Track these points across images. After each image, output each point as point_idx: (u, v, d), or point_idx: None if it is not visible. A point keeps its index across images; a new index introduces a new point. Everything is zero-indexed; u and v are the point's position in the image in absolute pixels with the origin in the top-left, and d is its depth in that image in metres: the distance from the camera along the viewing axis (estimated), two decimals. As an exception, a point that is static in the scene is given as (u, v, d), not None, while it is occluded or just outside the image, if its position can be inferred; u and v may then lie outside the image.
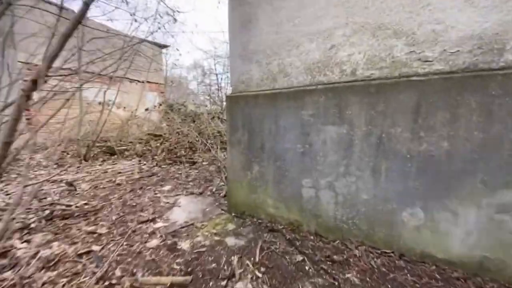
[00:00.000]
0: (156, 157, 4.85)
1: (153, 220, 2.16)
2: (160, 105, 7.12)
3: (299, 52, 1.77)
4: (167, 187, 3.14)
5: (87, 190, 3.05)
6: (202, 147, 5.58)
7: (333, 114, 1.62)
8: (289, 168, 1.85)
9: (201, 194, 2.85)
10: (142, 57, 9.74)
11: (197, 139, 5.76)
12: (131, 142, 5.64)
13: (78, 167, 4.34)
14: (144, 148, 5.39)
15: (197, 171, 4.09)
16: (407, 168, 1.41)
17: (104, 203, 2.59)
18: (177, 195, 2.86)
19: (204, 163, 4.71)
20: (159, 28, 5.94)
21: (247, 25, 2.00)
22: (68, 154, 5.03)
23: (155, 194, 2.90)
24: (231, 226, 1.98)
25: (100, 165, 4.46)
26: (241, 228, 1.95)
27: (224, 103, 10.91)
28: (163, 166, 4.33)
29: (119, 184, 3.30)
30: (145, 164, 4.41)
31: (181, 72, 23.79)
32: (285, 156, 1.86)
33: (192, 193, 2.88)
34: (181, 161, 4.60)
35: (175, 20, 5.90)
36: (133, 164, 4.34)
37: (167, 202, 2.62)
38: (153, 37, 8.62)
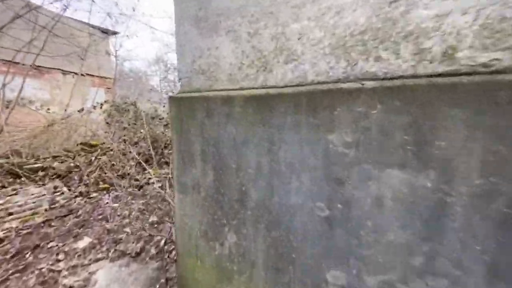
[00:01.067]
0: (85, 178, 3.48)
1: None
2: (102, 104, 5.57)
3: (320, 9, 0.84)
4: (83, 242, 1.95)
5: None
6: (156, 160, 4.37)
7: (401, 144, 0.74)
8: (299, 245, 0.93)
9: (139, 256, 1.75)
10: (79, 44, 7.84)
11: (149, 149, 4.52)
12: (53, 157, 4.10)
13: None
14: (72, 164, 3.94)
15: (143, 200, 2.92)
16: None
17: None
18: (96, 260, 1.71)
19: (156, 185, 3.53)
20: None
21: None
22: None
23: (56, 261, 1.70)
24: None
25: (-10, 196, 2.95)
26: None
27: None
28: (92, 195, 3.03)
29: (1, 240, 1.98)
30: (63, 193, 3.04)
31: (138, 66, 21.26)
32: (291, 220, 0.93)
33: (124, 254, 1.77)
34: (122, 185, 3.35)
35: None
36: (44, 194, 2.95)
37: (73, 284, 1.47)
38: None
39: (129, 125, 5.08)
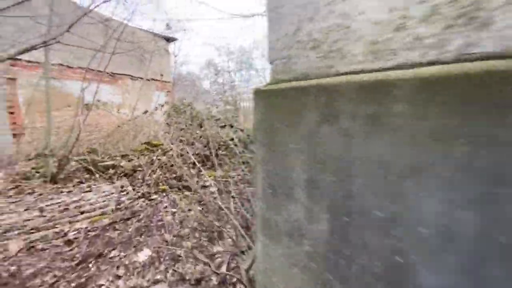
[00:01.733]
0: (147, 178, 3.57)
1: None
2: (162, 106, 5.88)
3: None
4: (143, 255, 1.80)
5: (6, 260, 1.77)
6: (211, 162, 4.27)
7: None
8: None
9: (199, 285, 1.47)
10: (145, 51, 8.61)
11: (205, 149, 4.46)
12: (122, 156, 4.41)
13: (40, 194, 3.15)
14: (136, 164, 4.14)
15: (201, 207, 2.74)
16: None
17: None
18: (155, 282, 1.51)
19: (212, 189, 3.36)
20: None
21: None
22: (38, 172, 3.87)
23: (116, 277, 1.56)
24: None
25: (69, 191, 3.24)
26: None
27: (240, 104, 9.55)
28: (152, 197, 3.02)
29: (70, 242, 2.01)
30: (128, 193, 3.11)
31: (191, 70, 22.84)
32: None
33: (183, 279, 1.52)
34: (178, 188, 3.28)
35: None
36: (112, 193, 3.07)
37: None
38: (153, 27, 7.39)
39: (186, 126, 5.18)
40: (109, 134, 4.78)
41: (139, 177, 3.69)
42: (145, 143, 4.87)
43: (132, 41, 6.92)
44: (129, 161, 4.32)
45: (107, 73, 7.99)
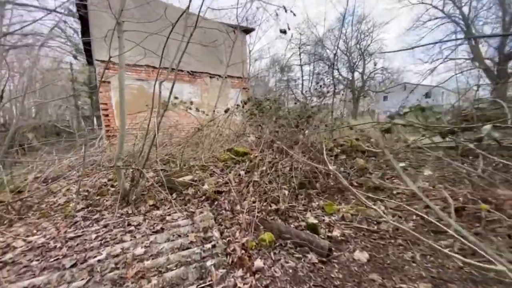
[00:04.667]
0: (237, 209, 2.28)
1: None
2: (245, 103, 4.73)
3: None
4: None
5: None
6: (322, 184, 2.71)
7: None
8: None
9: None
10: (221, 46, 7.87)
11: (311, 162, 2.95)
12: (202, 168, 3.36)
13: (105, 226, 2.30)
14: (221, 180, 2.98)
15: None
16: None
17: None
18: None
19: (359, 255, 1.75)
20: None
21: None
22: (113, 186, 3.22)
23: None
24: None
25: (138, 224, 2.27)
26: None
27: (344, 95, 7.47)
28: (251, 250, 1.65)
29: None
30: (214, 246, 1.84)
31: (260, 65, 22.11)
32: None
33: None
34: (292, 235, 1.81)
35: None
36: (191, 242, 1.86)
37: None
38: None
39: (279, 127, 3.78)
40: (189, 137, 3.88)
41: (227, 206, 2.45)
42: (228, 150, 3.74)
43: (210, 36, 6.12)
44: (210, 175, 3.23)
45: (188, 72, 7.64)
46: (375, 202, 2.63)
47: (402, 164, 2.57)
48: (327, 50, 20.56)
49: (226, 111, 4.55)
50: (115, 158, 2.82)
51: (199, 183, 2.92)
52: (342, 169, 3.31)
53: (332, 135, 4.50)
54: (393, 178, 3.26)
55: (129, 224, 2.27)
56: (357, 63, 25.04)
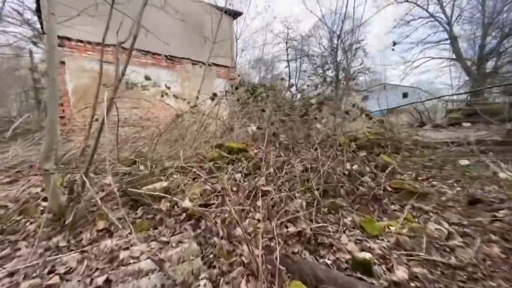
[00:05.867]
0: (241, 237, 1.43)
1: None
2: (237, 88, 3.85)
3: None
4: None
5: None
6: (342, 189, 1.94)
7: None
8: None
9: None
10: (206, 29, 6.87)
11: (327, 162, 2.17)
12: (182, 170, 2.44)
13: (29, 255, 1.33)
14: (208, 186, 2.09)
15: None
16: None
17: None
18: None
19: None
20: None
21: None
22: (46, 201, 2.19)
23: None
24: None
25: (82, 258, 1.32)
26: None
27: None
28: None
29: None
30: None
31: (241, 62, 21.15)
32: None
33: None
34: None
35: None
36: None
37: None
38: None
39: (283, 117, 2.95)
40: (164, 129, 2.91)
41: (220, 230, 1.58)
42: (217, 146, 2.84)
43: (193, 18, 5.17)
44: (194, 179, 2.32)
45: (166, 56, 6.54)
46: (427, 215, 1.90)
47: (465, 162, 1.89)
48: (314, 48, 20.11)
49: (212, 98, 3.63)
50: (41, 157, 1.81)
51: (178, 192, 2.01)
52: (367, 169, 2.56)
53: (341, 129, 3.77)
54: (429, 179, 2.58)
55: (50, 272, 1.31)
56: (341, 61, 24.99)
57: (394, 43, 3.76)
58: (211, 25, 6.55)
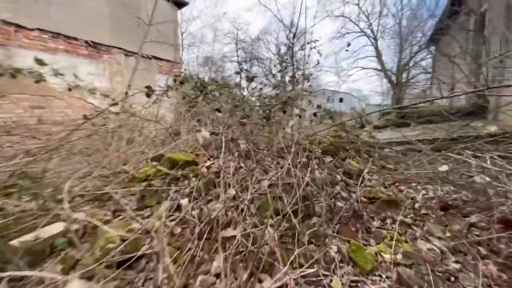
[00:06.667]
0: None
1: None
2: (182, 83, 3.14)
3: None
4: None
5: None
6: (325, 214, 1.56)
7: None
8: None
9: None
10: (144, 13, 5.78)
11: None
12: (95, 199, 1.63)
13: None
14: (137, 224, 1.38)
15: None
16: None
17: None
18: None
19: None
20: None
21: None
22: None
23: None
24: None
25: None
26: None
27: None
28: None
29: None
30: None
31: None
32: None
33: None
34: None
35: None
36: None
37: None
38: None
39: (244, 118, 2.42)
40: (64, 138, 1.97)
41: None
42: (155, 158, 2.10)
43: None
44: (114, 213, 1.56)
45: (87, 42, 5.16)
46: (411, 228, 1.68)
47: (444, 167, 1.75)
48: (263, 53, 20.37)
49: (148, 95, 2.82)
50: None
51: (84, 237, 1.24)
52: (338, 177, 2.27)
53: (299, 132, 3.48)
54: (395, 183, 2.48)
55: None
56: (287, 67, 26.21)
57: (348, 44, 3.72)
58: (151, 11, 5.53)
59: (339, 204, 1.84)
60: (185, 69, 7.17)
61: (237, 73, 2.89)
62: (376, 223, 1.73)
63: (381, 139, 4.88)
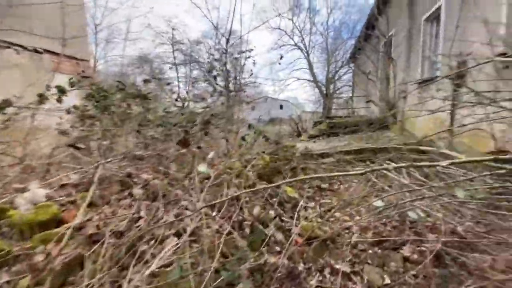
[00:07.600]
0: None
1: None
2: (72, 85, 2.25)
3: None
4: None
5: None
6: None
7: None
8: None
9: None
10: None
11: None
12: None
13: None
14: None
15: None
16: None
17: None
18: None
19: None
20: None
21: None
22: None
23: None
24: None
25: None
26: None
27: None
28: None
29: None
30: None
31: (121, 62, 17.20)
32: None
33: None
34: None
35: None
36: None
37: None
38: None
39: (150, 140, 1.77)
40: None
41: None
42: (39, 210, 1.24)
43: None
44: None
45: None
46: (359, 278, 1.44)
47: (379, 203, 1.58)
48: (204, 56, 19.40)
49: (41, 101, 1.81)
50: None
51: None
52: (272, 212, 1.91)
53: (228, 152, 3.04)
54: (331, 210, 2.31)
55: None
56: (231, 69, 25.93)
57: (281, 57, 3.56)
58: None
59: (271, 258, 1.44)
60: (92, 77, 5.84)
61: (146, 81, 2.22)
62: (314, 279, 1.41)
63: (316, 150, 4.96)
